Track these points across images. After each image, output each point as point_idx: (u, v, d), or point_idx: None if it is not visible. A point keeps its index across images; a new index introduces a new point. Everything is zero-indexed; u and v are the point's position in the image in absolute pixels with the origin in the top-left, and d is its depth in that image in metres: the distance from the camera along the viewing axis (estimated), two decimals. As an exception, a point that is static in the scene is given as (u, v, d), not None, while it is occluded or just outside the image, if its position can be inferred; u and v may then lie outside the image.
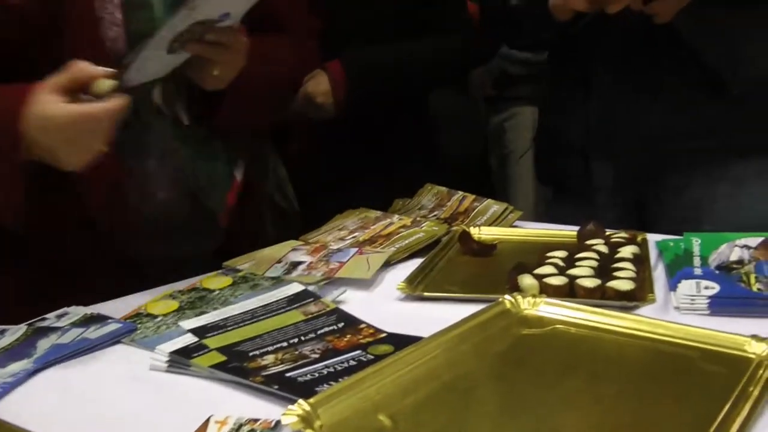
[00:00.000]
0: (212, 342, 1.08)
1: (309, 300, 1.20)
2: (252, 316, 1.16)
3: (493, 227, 1.57)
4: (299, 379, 0.97)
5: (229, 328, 1.12)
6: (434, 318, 1.10)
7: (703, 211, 1.70)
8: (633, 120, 1.69)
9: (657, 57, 1.66)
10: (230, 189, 1.45)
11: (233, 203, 1.46)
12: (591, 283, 1.18)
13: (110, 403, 0.99)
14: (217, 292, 1.29)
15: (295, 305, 1.19)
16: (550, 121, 1.91)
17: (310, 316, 1.16)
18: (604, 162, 1.76)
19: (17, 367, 1.06)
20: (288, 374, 0.99)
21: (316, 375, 0.98)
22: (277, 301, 1.20)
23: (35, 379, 1.05)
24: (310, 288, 1.25)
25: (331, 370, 0.99)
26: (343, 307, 1.20)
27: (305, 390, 0.92)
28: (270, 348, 1.06)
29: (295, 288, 1.24)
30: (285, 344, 1.07)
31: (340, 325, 1.13)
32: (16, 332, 1.16)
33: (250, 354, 1.05)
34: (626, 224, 1.56)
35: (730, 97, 1.62)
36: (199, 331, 1.11)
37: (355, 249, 1.41)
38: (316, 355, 1.04)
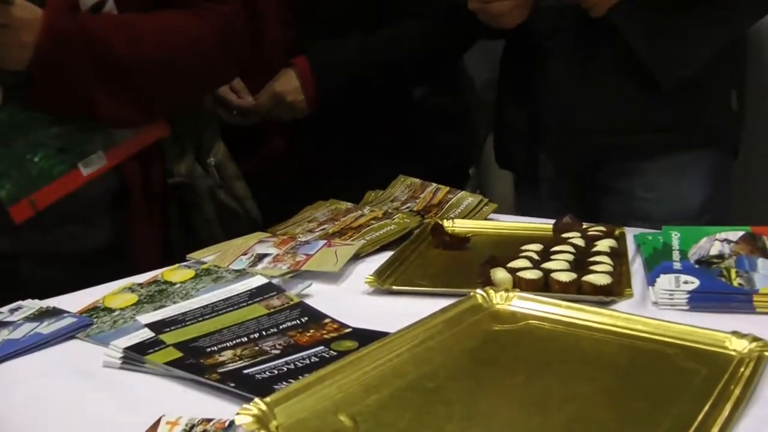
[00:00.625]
0: (169, 337, 1.04)
1: (272, 293, 1.15)
2: (212, 310, 1.12)
3: (467, 220, 1.53)
4: (257, 376, 0.93)
5: (187, 323, 1.08)
6: (403, 313, 1.06)
7: (643, 206, 1.72)
8: (575, 113, 1.71)
9: (599, 51, 1.67)
10: (48, 183, 1.35)
11: (55, 198, 1.36)
12: (566, 277, 1.15)
13: (60, 401, 0.94)
14: (178, 285, 1.24)
15: (258, 299, 1.14)
16: (502, 108, 1.93)
17: (272, 310, 1.11)
18: (549, 153, 1.79)
19: (-35, 363, 1.02)
20: (246, 371, 0.94)
21: (275, 372, 0.94)
22: (238, 294, 1.15)
23: (-17, 377, 1.01)
24: (275, 281, 1.20)
25: (291, 367, 0.95)
26: (308, 300, 1.16)
27: (263, 388, 0.88)
28: (229, 343, 1.02)
29: (258, 281, 1.19)
30: (245, 339, 1.03)
31: (304, 319, 1.08)
32: (-35, 327, 1.11)
33: (208, 350, 1.00)
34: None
35: (665, 93, 1.64)
36: (157, 326, 1.07)
37: (324, 241, 1.37)
38: (277, 351, 0.99)
